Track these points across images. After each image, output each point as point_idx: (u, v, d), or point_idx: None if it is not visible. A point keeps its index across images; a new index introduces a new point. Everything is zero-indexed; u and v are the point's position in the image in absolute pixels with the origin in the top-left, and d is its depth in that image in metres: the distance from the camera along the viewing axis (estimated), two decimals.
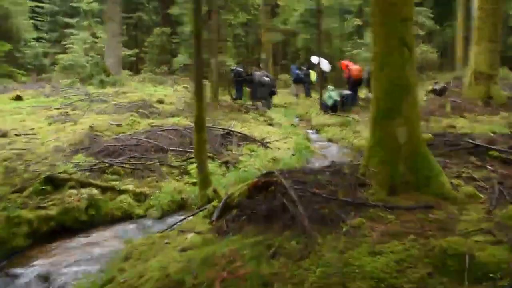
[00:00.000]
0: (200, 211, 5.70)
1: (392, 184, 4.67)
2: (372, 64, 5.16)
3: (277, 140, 11.53)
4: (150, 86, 23.98)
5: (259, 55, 32.96)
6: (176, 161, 8.47)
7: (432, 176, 4.72)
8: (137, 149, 8.80)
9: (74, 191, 6.61)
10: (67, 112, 13.99)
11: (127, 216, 6.83)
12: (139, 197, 7.13)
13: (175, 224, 5.76)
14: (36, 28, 31.94)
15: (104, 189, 6.94)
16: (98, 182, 7.08)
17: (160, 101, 17.50)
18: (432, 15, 24.81)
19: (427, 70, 24.80)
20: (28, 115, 13.41)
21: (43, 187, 6.56)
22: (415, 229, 3.76)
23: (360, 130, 12.95)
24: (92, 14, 28.74)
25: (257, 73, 19.92)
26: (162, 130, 10.27)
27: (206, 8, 17.18)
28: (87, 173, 7.44)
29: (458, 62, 24.39)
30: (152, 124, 11.66)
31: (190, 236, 4.64)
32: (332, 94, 17.24)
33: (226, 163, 8.68)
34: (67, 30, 29.40)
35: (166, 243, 4.72)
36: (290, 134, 12.95)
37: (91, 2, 27.81)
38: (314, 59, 21.48)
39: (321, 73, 19.08)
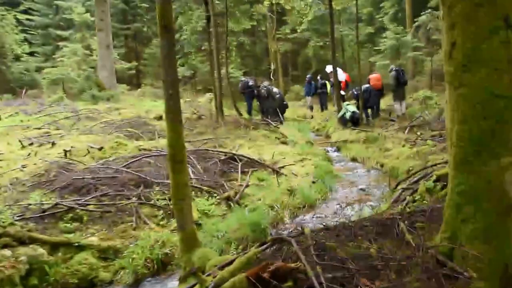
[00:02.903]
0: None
1: (507, 276, 2.66)
2: (446, 62, 3.16)
3: (292, 164, 9.48)
4: (149, 100, 22.41)
5: (269, 65, 31.23)
6: (162, 199, 6.43)
7: None
8: (112, 183, 6.80)
9: (7, 251, 4.63)
10: (48, 132, 12.20)
11: (86, 284, 4.85)
12: (107, 254, 5.14)
13: None
14: (28, 42, 30.32)
15: (55, 246, 4.98)
16: (46, 236, 5.08)
17: (158, 117, 15.66)
18: None
19: None
20: (1, 136, 11.54)
21: None
22: None
23: (390, 147, 10.88)
24: (86, 26, 27.26)
25: (267, 83, 18.11)
26: (149, 156, 8.27)
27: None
28: (34, 223, 5.46)
29: None
30: (140, 147, 9.71)
31: None
32: (349, 107, 15.26)
33: (227, 199, 6.66)
34: (60, 43, 27.80)
35: None
36: (307, 154, 10.88)
37: (84, 13, 26.43)
38: (329, 68, 19.69)
39: (337, 83, 17.05)
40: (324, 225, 3.84)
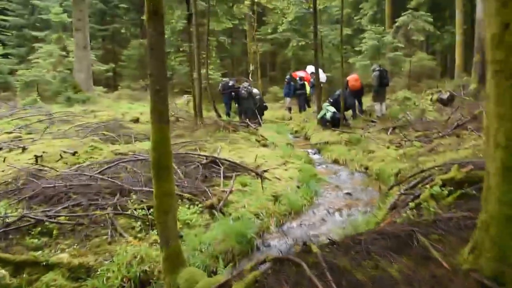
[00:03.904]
0: None
1: None
2: (493, 48, 2.78)
3: (275, 167, 9.11)
4: (126, 103, 21.99)
5: (247, 66, 30.95)
6: (140, 208, 5.97)
7: None
8: (86, 192, 6.33)
9: None
10: (19, 137, 11.66)
11: None
12: (78, 273, 4.66)
13: None
14: (2, 43, 29.37)
15: (19, 266, 4.48)
16: (9, 254, 4.61)
17: (135, 120, 15.23)
18: (431, 19, 22.96)
19: (426, 78, 23.11)
20: None
21: None
22: None
23: (373, 149, 10.59)
24: (62, 27, 26.59)
25: (247, 84, 17.78)
26: (127, 161, 7.82)
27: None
28: None
29: (458, 70, 22.50)
30: (117, 151, 9.24)
31: None
32: (329, 107, 14.98)
33: (210, 207, 6.25)
34: (36, 45, 27.10)
35: None
36: (289, 157, 10.53)
37: (61, 14, 25.72)
38: (310, 68, 19.48)
39: (318, 84, 16.79)
40: (329, 240, 3.42)
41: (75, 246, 5.03)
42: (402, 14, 22.48)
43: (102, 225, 5.52)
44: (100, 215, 5.65)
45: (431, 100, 16.90)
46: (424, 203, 4.43)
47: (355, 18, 29.73)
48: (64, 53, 24.41)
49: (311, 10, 19.04)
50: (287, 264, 2.99)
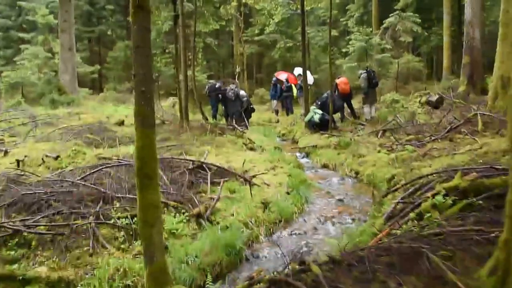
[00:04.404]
0: None
1: None
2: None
3: (264, 172, 8.86)
4: (111, 105, 21.73)
5: (233, 68, 30.76)
6: (124, 217, 5.67)
7: None
8: (67, 199, 6.03)
9: None
10: (2, 140, 11.49)
11: None
12: None
13: None
14: None
15: None
16: None
17: (120, 123, 14.88)
18: (419, 20, 22.93)
19: (413, 80, 23.11)
20: None
21: None
22: None
23: (364, 153, 10.39)
24: (49, 28, 26.31)
25: (234, 86, 17.55)
26: (110, 166, 7.52)
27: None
28: None
29: (445, 71, 22.51)
30: (100, 156, 8.94)
31: None
32: (317, 110, 14.78)
33: (197, 216, 5.99)
34: (22, 46, 26.92)
35: None
36: (278, 161, 10.28)
37: (47, 15, 25.43)
38: (297, 70, 19.29)
39: (306, 86, 16.61)
40: (329, 257, 3.17)
41: (54, 259, 4.75)
42: (390, 15, 22.42)
43: (84, 235, 5.24)
44: (82, 225, 5.36)
45: (420, 102, 16.75)
46: (427, 214, 4.19)
47: (341, 20, 29.68)
48: (50, 54, 24.22)
49: (298, 11, 18.88)
50: (284, 286, 2.75)
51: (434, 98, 16.33)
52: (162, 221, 3.59)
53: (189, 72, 16.90)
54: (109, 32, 34.09)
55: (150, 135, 3.47)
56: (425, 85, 21.48)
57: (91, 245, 5.03)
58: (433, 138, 9.90)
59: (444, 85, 19.98)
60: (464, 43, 17.69)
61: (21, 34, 30.05)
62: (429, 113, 14.80)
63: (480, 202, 4.18)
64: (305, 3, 17.42)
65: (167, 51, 26.65)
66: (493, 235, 3.06)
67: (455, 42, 23.60)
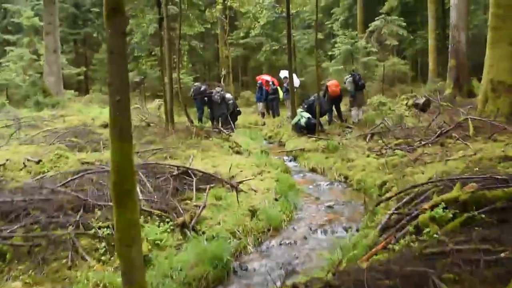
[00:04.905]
0: None
1: None
2: None
3: (251, 178, 8.63)
4: (96, 107, 21.55)
5: (219, 71, 30.59)
6: (105, 227, 5.40)
7: None
8: (45, 207, 5.74)
9: None
10: None
11: None
12: None
13: None
14: None
15: None
16: None
17: (105, 125, 14.58)
18: (404, 24, 22.98)
19: (398, 83, 23.17)
20: None
21: None
22: None
23: (353, 157, 10.22)
24: (34, 30, 26.21)
25: (220, 89, 17.38)
26: (93, 172, 7.24)
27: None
28: None
29: (431, 74, 22.64)
30: (83, 160, 8.65)
31: None
32: (303, 113, 14.61)
33: (182, 225, 5.74)
34: (7, 48, 26.90)
35: None
36: (265, 165, 10.05)
37: (32, 17, 25.43)
38: (283, 73, 19.16)
39: (292, 89, 16.45)
40: (326, 282, 2.93)
41: (30, 272, 4.48)
42: (376, 18, 22.46)
43: (62, 246, 4.97)
44: (61, 235, 5.09)
45: (406, 105, 16.69)
46: (425, 228, 3.97)
47: (326, 23, 29.69)
48: (35, 56, 24.30)
49: (284, 14, 18.74)
50: None
51: (421, 100, 16.28)
52: (140, 241, 3.28)
53: (175, 75, 16.69)
54: (95, 34, 33.98)
55: (126, 149, 3.09)
56: (411, 87, 21.53)
57: (69, 257, 4.76)
58: (423, 142, 9.72)
59: (430, 87, 20.04)
60: (449, 46, 17.74)
61: (6, 36, 30.08)
62: (416, 116, 14.72)
63: (482, 216, 3.98)
64: (290, 6, 17.24)
65: (153, 53, 26.46)
66: (502, 255, 2.86)
67: (440, 45, 23.75)
